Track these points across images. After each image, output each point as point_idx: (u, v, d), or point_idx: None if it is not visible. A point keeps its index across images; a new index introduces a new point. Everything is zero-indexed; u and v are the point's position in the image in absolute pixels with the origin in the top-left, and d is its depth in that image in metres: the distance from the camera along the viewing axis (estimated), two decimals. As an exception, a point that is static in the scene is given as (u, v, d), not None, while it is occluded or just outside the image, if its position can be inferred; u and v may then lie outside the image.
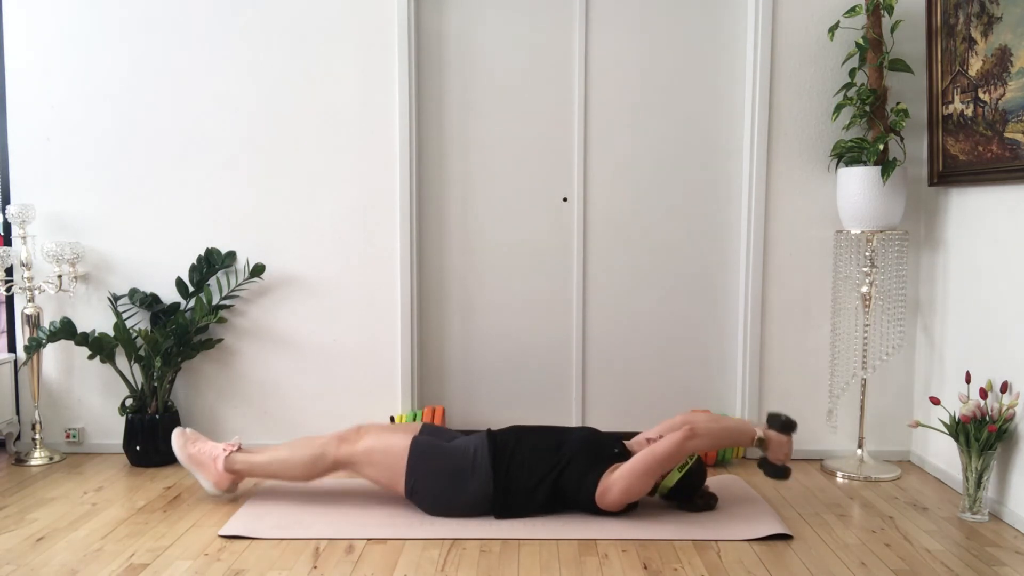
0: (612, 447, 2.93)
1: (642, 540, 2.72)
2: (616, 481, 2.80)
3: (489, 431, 2.99)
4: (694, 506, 2.96)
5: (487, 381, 3.75)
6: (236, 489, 3.09)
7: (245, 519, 2.86)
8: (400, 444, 2.90)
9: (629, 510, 2.93)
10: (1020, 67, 2.78)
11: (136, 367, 3.63)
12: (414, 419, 3.52)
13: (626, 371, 3.74)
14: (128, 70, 3.60)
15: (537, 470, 2.87)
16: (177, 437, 3.05)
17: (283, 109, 3.59)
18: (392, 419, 3.59)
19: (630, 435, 3.15)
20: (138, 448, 3.48)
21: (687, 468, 2.90)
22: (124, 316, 3.63)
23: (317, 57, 3.57)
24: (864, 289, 3.42)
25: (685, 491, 2.94)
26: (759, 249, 3.58)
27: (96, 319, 3.67)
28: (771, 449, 2.94)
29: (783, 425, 2.95)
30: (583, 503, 2.87)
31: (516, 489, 2.86)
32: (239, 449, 3.03)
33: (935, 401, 3.12)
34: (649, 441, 2.95)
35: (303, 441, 3.00)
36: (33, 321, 3.55)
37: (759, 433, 2.92)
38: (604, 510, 2.86)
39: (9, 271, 3.64)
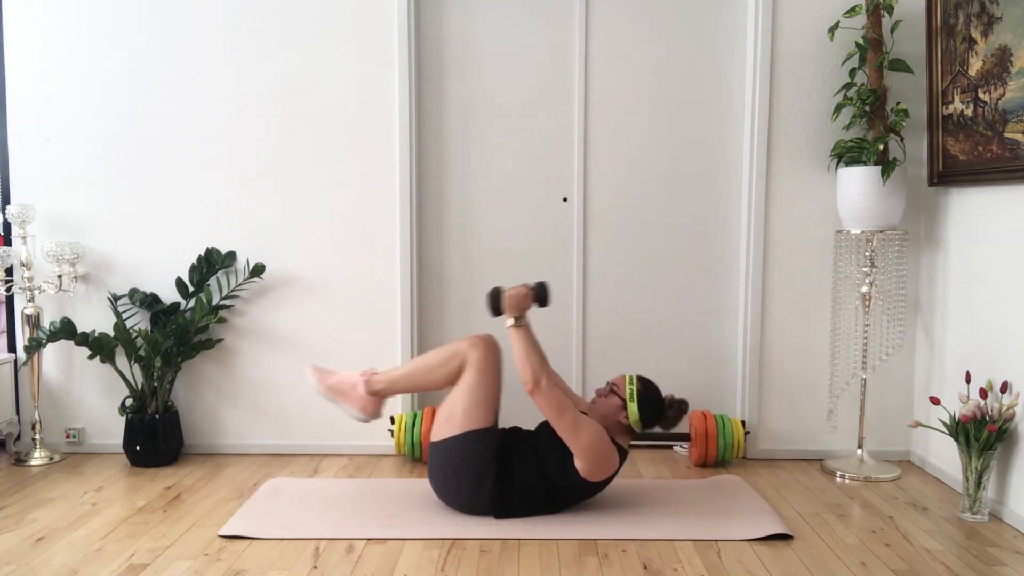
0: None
1: (642, 540, 2.72)
2: (578, 455, 2.78)
3: (500, 430, 2.97)
4: (672, 420, 2.95)
5: (487, 381, 3.75)
6: (381, 413, 3.02)
7: (245, 519, 2.86)
8: (482, 414, 2.84)
9: (628, 505, 2.92)
10: (1020, 67, 2.78)
11: (136, 367, 3.63)
12: (414, 419, 3.52)
13: (626, 370, 3.74)
14: (128, 70, 3.60)
15: (530, 474, 2.86)
16: (312, 373, 3.01)
17: (283, 109, 3.59)
18: (392, 419, 3.59)
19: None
20: (138, 448, 3.48)
21: (636, 393, 2.88)
22: (124, 316, 3.63)
23: (317, 57, 3.57)
24: (864, 289, 3.42)
25: (653, 412, 2.91)
26: (759, 249, 3.59)
27: (96, 319, 3.67)
28: (517, 305, 2.86)
29: (493, 300, 2.87)
30: (579, 489, 2.86)
31: (517, 493, 2.85)
32: (375, 373, 3.00)
33: (935, 401, 3.12)
34: (594, 401, 2.97)
35: (432, 351, 2.95)
36: (33, 321, 3.55)
37: (511, 322, 2.85)
38: (604, 479, 2.84)
39: (9, 271, 3.64)
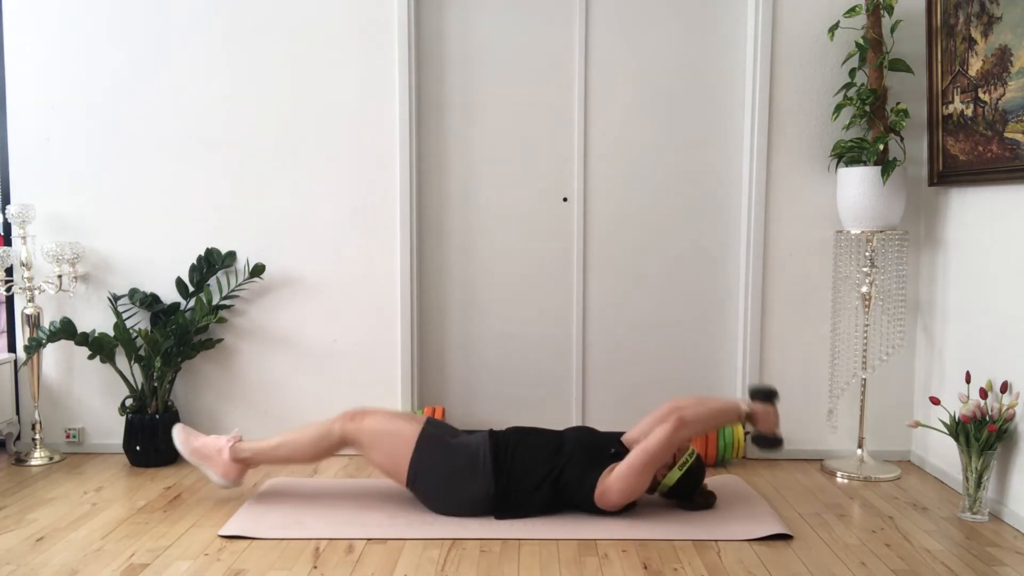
0: (609, 447, 2.94)
1: (642, 540, 2.72)
2: (614, 481, 2.80)
3: (491, 431, 2.99)
4: (694, 504, 2.96)
5: (487, 381, 3.75)
6: (242, 480, 3.08)
7: (245, 519, 2.86)
8: (408, 432, 2.90)
9: (628, 509, 2.93)
10: (1020, 67, 2.78)
11: (136, 367, 3.63)
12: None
13: (626, 371, 3.74)
14: (128, 70, 3.60)
15: (537, 471, 2.87)
16: (179, 432, 3.05)
17: (283, 109, 3.59)
18: (392, 419, 3.59)
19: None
20: (138, 448, 3.48)
21: (687, 466, 2.90)
22: (124, 316, 3.63)
23: (317, 57, 3.57)
24: (864, 289, 3.42)
25: (685, 489, 2.94)
26: (759, 249, 3.58)
27: (96, 319, 3.67)
28: (759, 421, 2.97)
29: (766, 395, 2.98)
30: (583, 503, 2.87)
31: (517, 490, 2.86)
32: (240, 439, 3.03)
33: (935, 401, 3.12)
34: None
35: (307, 424, 3.01)
36: (33, 321, 3.55)
37: (745, 408, 2.94)
38: (604, 510, 2.86)
39: (9, 271, 3.64)
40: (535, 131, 3.67)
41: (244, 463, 3.02)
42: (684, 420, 2.81)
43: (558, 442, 2.94)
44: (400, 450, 2.89)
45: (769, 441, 2.99)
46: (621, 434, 3.07)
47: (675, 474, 2.90)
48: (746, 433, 3.56)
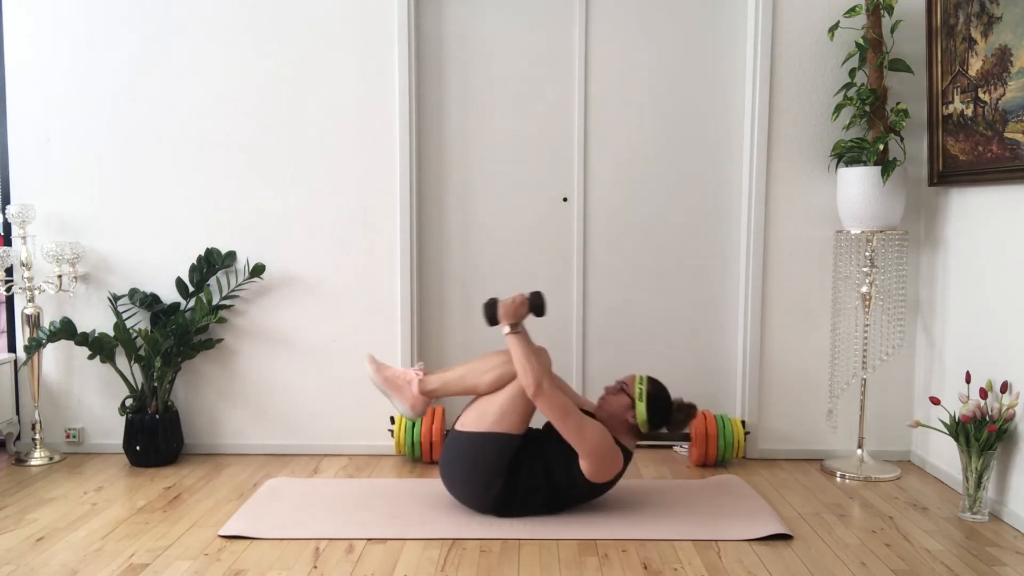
0: None
1: (642, 540, 2.72)
2: (584, 456, 2.79)
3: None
4: (679, 422, 2.94)
5: (487, 381, 3.75)
6: (425, 412, 3.06)
7: (245, 519, 2.86)
8: (527, 418, 2.86)
9: (631, 505, 2.92)
10: (1020, 67, 2.78)
11: (136, 367, 3.63)
12: (413, 420, 3.52)
13: (626, 371, 3.74)
14: (128, 70, 3.60)
15: (536, 476, 2.86)
16: (370, 363, 3.03)
17: (283, 109, 3.59)
18: (392, 419, 3.59)
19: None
20: (138, 448, 3.48)
21: (645, 393, 2.87)
22: (124, 316, 3.63)
23: (317, 57, 3.57)
24: (864, 289, 3.42)
25: (661, 412, 2.90)
26: (759, 249, 3.58)
27: (96, 319, 3.67)
28: (512, 314, 2.88)
29: (490, 310, 2.90)
30: (584, 491, 2.86)
31: (522, 494, 2.85)
32: (426, 372, 3.03)
33: (935, 401, 3.12)
34: (601, 399, 2.96)
35: (485, 355, 2.97)
36: (33, 321, 3.55)
37: (507, 330, 2.86)
38: (609, 479, 2.84)
39: (9, 271, 3.64)
40: (535, 131, 3.67)
41: (430, 394, 3.00)
42: (530, 387, 2.77)
43: (540, 441, 2.92)
44: (512, 417, 2.82)
45: (534, 305, 2.90)
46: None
47: (640, 407, 2.86)
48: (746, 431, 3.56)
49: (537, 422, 3.74)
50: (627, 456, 2.90)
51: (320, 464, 3.57)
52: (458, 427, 2.91)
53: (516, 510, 2.87)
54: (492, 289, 3.72)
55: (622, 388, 2.92)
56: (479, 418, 2.86)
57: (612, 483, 2.89)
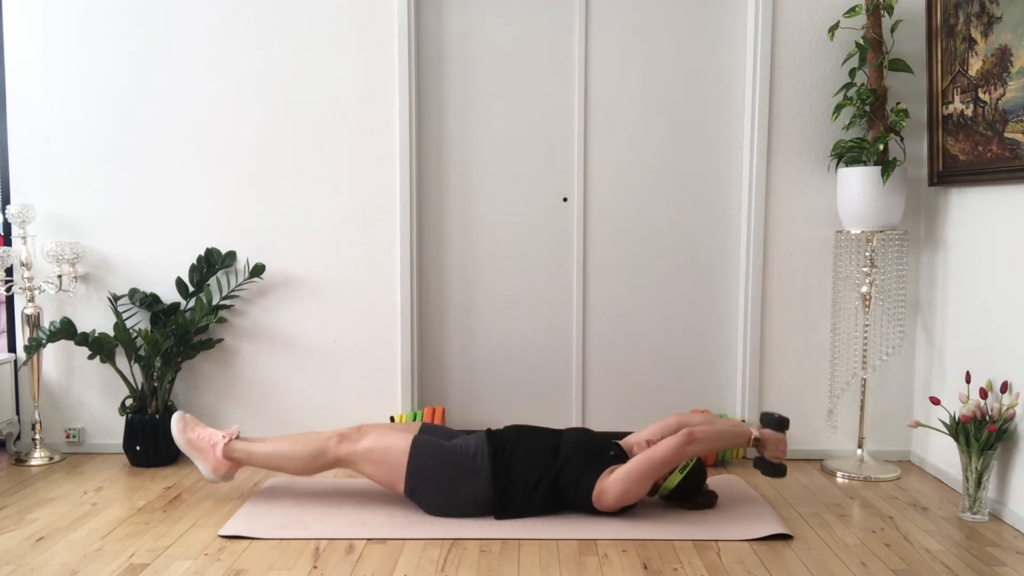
0: (608, 449, 2.94)
1: (642, 540, 2.72)
2: (613, 484, 2.80)
3: (489, 431, 2.99)
4: (695, 505, 2.97)
5: (487, 381, 3.75)
6: (233, 476, 3.08)
7: (245, 519, 2.86)
8: (401, 444, 2.90)
9: (627, 510, 2.93)
10: (1020, 67, 2.78)
11: (136, 367, 3.63)
12: (414, 419, 3.52)
13: (626, 371, 3.74)
14: (128, 70, 3.60)
15: (535, 471, 2.87)
16: (177, 422, 3.05)
17: (284, 109, 3.59)
18: (392, 419, 3.59)
19: (626, 435, 3.15)
20: (138, 448, 3.48)
21: (688, 469, 2.91)
22: (124, 316, 3.63)
23: (317, 57, 3.57)
24: (864, 289, 3.42)
25: (686, 492, 2.94)
26: (759, 249, 3.58)
27: (96, 319, 3.67)
28: (767, 448, 2.97)
29: (778, 423, 2.98)
30: (580, 504, 2.87)
31: (515, 489, 2.86)
32: (238, 437, 3.03)
33: (935, 401, 3.12)
34: (649, 443, 2.96)
35: (304, 436, 3.00)
36: (33, 321, 3.55)
37: (755, 433, 2.94)
38: (601, 511, 2.86)
39: (9, 271, 3.64)
40: (535, 131, 3.67)
41: (236, 461, 3.02)
42: (694, 436, 2.81)
43: (556, 443, 2.94)
44: (395, 461, 2.89)
45: (774, 468, 2.98)
46: (619, 436, 3.07)
47: (676, 477, 2.90)
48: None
49: (538, 423, 3.74)
50: (629, 506, 2.92)
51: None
52: (405, 496, 2.95)
53: (513, 509, 2.87)
54: (492, 289, 3.72)
55: None
56: (395, 485, 2.91)
57: (603, 512, 2.90)
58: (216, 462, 3.00)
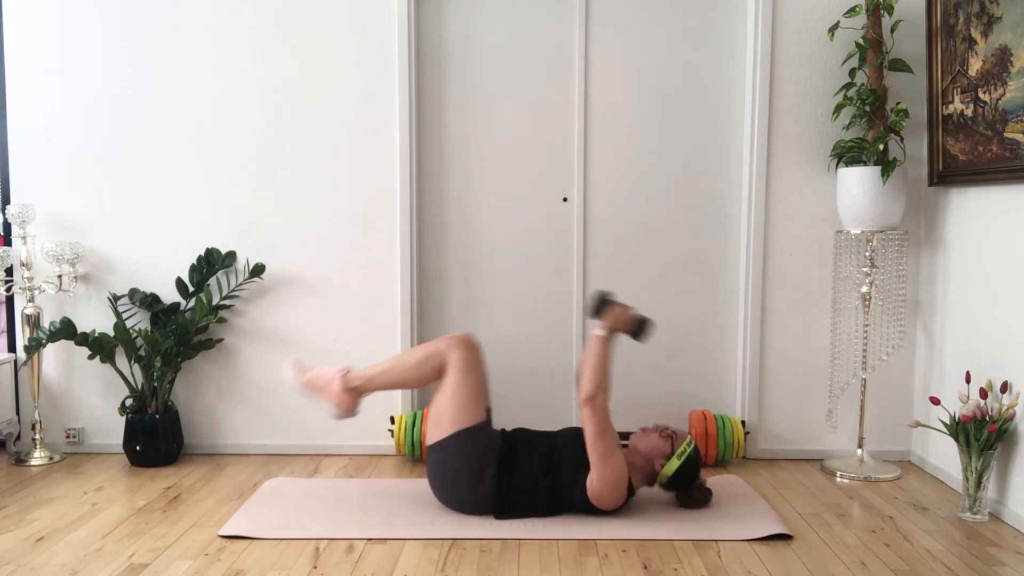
0: None
1: (642, 540, 2.72)
2: (596, 478, 2.80)
3: (503, 431, 2.99)
4: (691, 499, 2.96)
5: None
6: (357, 411, 3.04)
7: (245, 519, 2.86)
8: (478, 407, 2.89)
9: (627, 505, 2.93)
10: (1020, 67, 2.78)
11: (136, 367, 3.63)
12: (414, 419, 3.52)
13: (626, 371, 3.74)
14: (128, 70, 3.60)
15: (535, 473, 2.87)
16: (289, 368, 3.04)
17: (283, 109, 3.59)
18: (392, 419, 3.59)
19: (627, 435, 3.15)
20: (138, 448, 3.48)
21: (685, 455, 2.90)
22: (124, 316, 3.63)
23: (317, 57, 3.57)
24: (864, 289, 3.42)
25: (683, 480, 2.93)
26: (759, 249, 3.58)
27: (96, 319, 3.67)
28: (617, 324, 2.88)
29: (598, 302, 2.89)
30: (580, 505, 2.87)
31: (516, 492, 2.86)
32: (350, 371, 3.02)
33: (935, 401, 3.12)
34: (643, 431, 2.97)
35: (414, 348, 3.00)
36: (33, 321, 3.55)
37: (601, 332, 2.87)
38: (603, 509, 2.86)
39: (9, 271, 3.64)
40: (535, 131, 3.67)
41: (356, 391, 2.99)
42: (587, 394, 2.78)
43: (552, 444, 2.94)
44: (464, 412, 2.86)
45: (638, 329, 2.90)
46: (622, 437, 3.07)
47: (673, 463, 2.90)
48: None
49: (536, 424, 3.74)
50: (630, 494, 2.92)
51: (320, 464, 3.57)
52: (428, 442, 2.93)
53: (514, 510, 2.87)
54: (492, 289, 3.72)
55: (671, 436, 2.95)
56: (438, 425, 2.89)
57: (606, 512, 2.90)
58: (338, 396, 2.98)
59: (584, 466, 2.84)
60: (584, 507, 2.87)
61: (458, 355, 2.91)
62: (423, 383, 2.98)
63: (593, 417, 2.78)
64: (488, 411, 2.95)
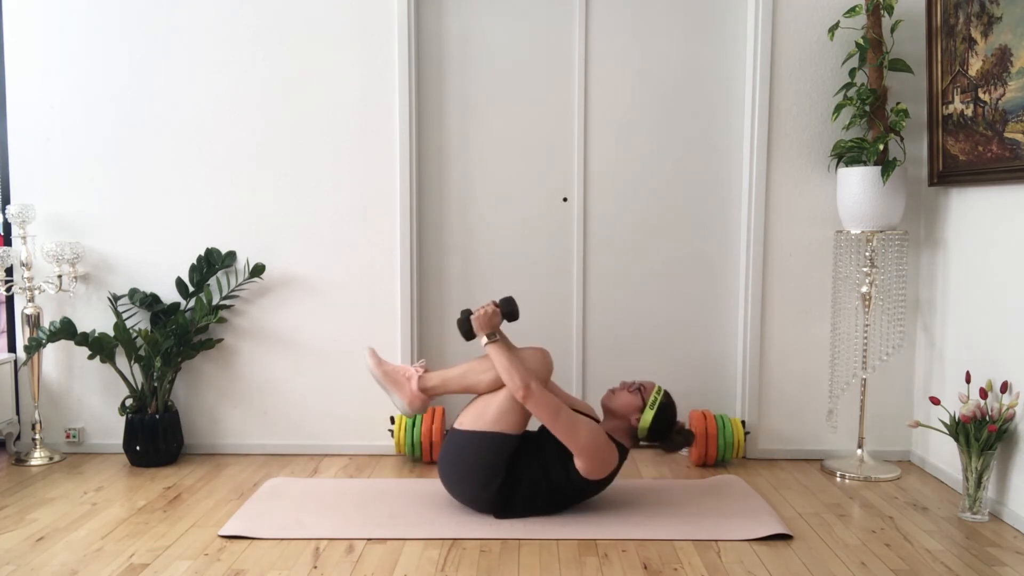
0: None
1: (642, 540, 2.72)
2: (578, 454, 2.79)
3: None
4: (674, 443, 2.97)
5: (487, 381, 3.75)
6: (426, 409, 3.03)
7: (245, 519, 2.86)
8: (526, 419, 2.86)
9: (626, 511, 2.92)
10: (1020, 67, 2.78)
11: (136, 367, 3.63)
12: (414, 420, 3.52)
13: (626, 371, 3.74)
14: (128, 70, 3.60)
15: (534, 472, 2.86)
16: (370, 356, 3.02)
17: (283, 109, 3.59)
18: (392, 419, 3.59)
19: None
20: (138, 448, 3.48)
21: (657, 403, 2.90)
22: (124, 316, 3.63)
23: (317, 57, 3.57)
24: (864, 289, 3.42)
25: (662, 427, 2.92)
26: (759, 249, 3.58)
27: (96, 319, 3.67)
28: (486, 325, 2.89)
29: (465, 326, 2.91)
30: (580, 486, 2.86)
31: (520, 492, 2.85)
32: (427, 370, 3.02)
33: (935, 401, 3.12)
34: (611, 391, 2.98)
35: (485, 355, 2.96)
36: (33, 321, 3.55)
37: (486, 341, 2.87)
38: (603, 476, 2.85)
39: (9, 271, 3.64)
40: (535, 131, 3.67)
41: (429, 391, 2.99)
42: (518, 391, 2.76)
43: (538, 442, 2.92)
44: (510, 417, 2.82)
45: (506, 312, 2.91)
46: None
47: (648, 414, 2.89)
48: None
49: (535, 424, 3.74)
50: (623, 452, 2.91)
51: (320, 464, 3.57)
52: (457, 426, 2.91)
53: (516, 511, 2.87)
54: (492, 289, 3.72)
55: (639, 389, 2.94)
56: (478, 417, 2.86)
57: (609, 479, 2.90)
58: (412, 395, 2.97)
59: (566, 452, 2.84)
60: (586, 489, 2.87)
61: (534, 367, 2.88)
62: (494, 388, 2.93)
63: (537, 405, 2.78)
64: (525, 427, 2.93)
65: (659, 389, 2.94)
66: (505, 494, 2.84)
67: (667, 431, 2.95)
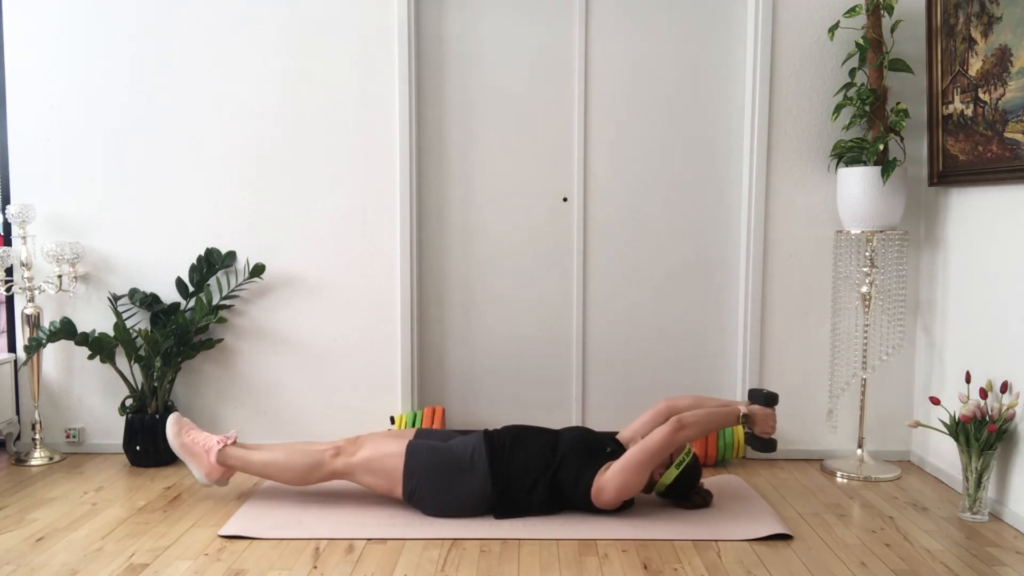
0: (606, 446, 2.94)
1: (642, 540, 2.72)
2: (610, 479, 2.80)
3: (486, 431, 2.99)
4: (691, 503, 2.97)
5: (487, 381, 3.75)
6: (227, 482, 3.08)
7: (245, 519, 2.86)
8: (395, 450, 2.90)
9: (626, 508, 2.93)
10: (1020, 67, 2.78)
11: (136, 367, 3.63)
12: (414, 419, 3.52)
13: (626, 371, 3.74)
14: (128, 70, 3.60)
15: (534, 469, 2.87)
16: (172, 424, 3.04)
17: (283, 109, 3.59)
18: (392, 419, 3.59)
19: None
20: (138, 448, 3.48)
21: (684, 465, 2.91)
22: (124, 316, 3.63)
23: (318, 57, 3.57)
24: (864, 289, 3.42)
25: (682, 488, 2.94)
26: (759, 249, 3.58)
27: (96, 319, 3.67)
28: (757, 424, 2.99)
29: (766, 399, 3.01)
30: (580, 502, 2.87)
31: (514, 488, 2.86)
32: (235, 443, 3.03)
33: (935, 401, 3.12)
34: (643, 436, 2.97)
35: (301, 447, 2.98)
36: (33, 321, 3.55)
37: (743, 410, 2.96)
38: (601, 508, 2.86)
39: (9, 271, 3.64)
40: (535, 131, 3.67)
41: (230, 468, 3.02)
42: (683, 423, 2.82)
43: (553, 441, 2.94)
44: (391, 467, 2.88)
45: (763, 443, 3.01)
46: (616, 434, 3.07)
47: (672, 473, 2.90)
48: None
49: (538, 423, 3.74)
50: (628, 501, 2.93)
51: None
52: (401, 496, 2.93)
53: (512, 508, 2.87)
54: (492, 289, 3.72)
55: None
56: (391, 490, 2.91)
57: (604, 511, 2.91)
58: (209, 467, 3.00)
59: (588, 466, 2.85)
60: (584, 505, 2.88)
61: (343, 461, 2.91)
62: (301, 485, 3.01)
63: (666, 437, 2.79)
64: (412, 434, 2.99)
65: (688, 450, 2.95)
66: (500, 485, 2.84)
67: (687, 493, 2.97)
